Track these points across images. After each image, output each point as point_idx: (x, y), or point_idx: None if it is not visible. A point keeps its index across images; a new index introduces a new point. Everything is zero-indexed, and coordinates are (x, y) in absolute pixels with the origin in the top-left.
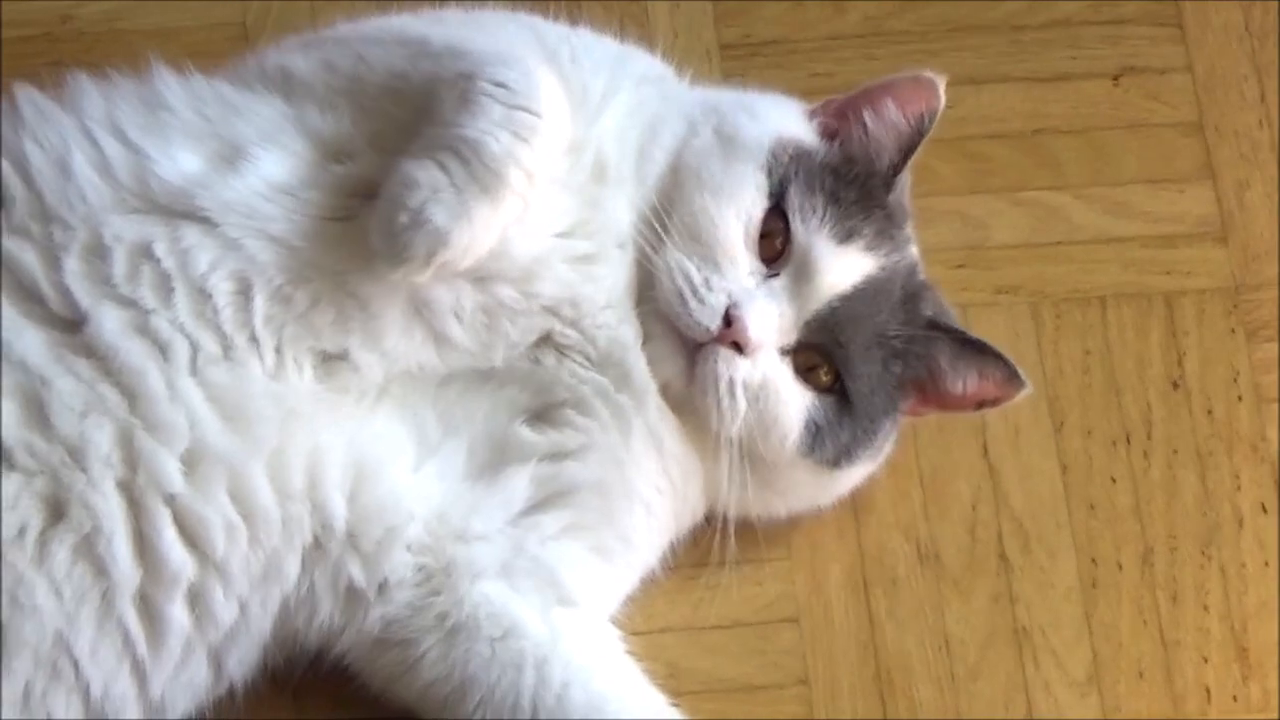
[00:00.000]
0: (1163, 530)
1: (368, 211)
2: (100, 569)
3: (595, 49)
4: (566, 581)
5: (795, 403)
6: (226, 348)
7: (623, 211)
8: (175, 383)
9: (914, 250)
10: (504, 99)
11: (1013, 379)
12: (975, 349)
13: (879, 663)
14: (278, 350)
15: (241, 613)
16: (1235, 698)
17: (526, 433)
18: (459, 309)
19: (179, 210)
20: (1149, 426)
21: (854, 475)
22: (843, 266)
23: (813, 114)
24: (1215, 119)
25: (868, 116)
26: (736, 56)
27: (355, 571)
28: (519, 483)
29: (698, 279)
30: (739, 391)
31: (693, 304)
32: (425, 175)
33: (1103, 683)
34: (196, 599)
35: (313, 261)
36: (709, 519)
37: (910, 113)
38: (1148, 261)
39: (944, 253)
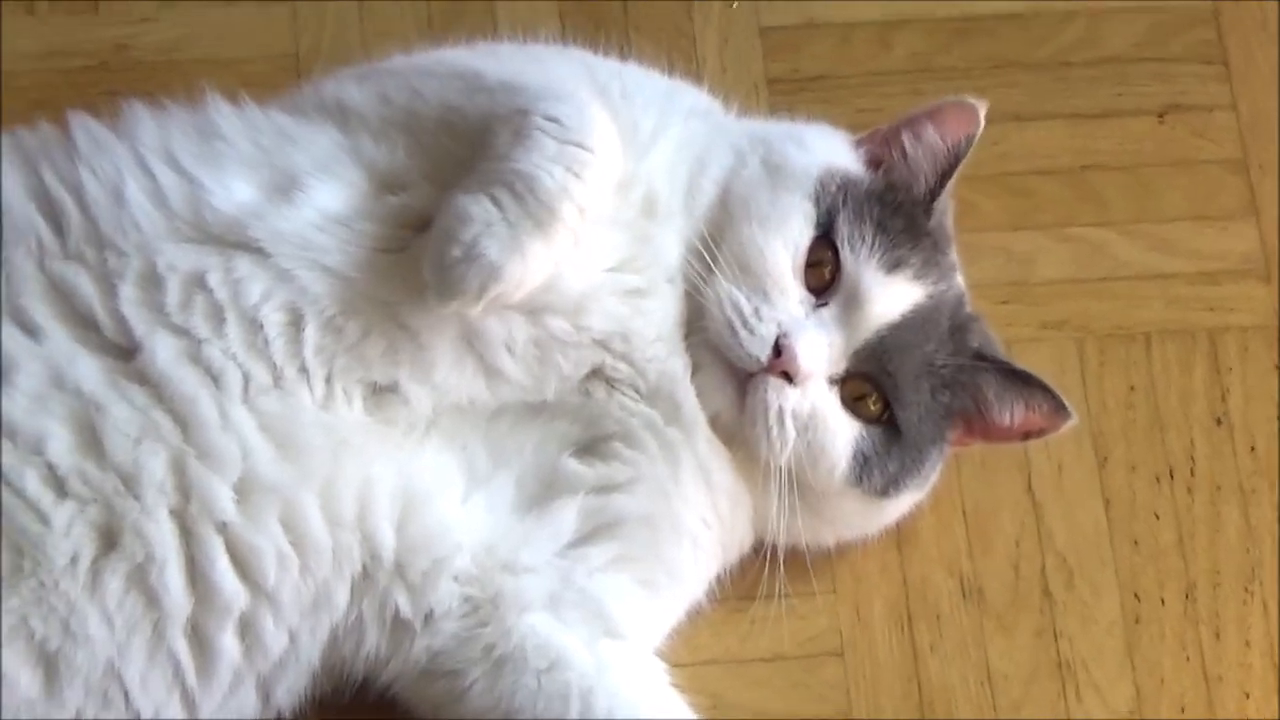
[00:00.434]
0: (1205, 566)
1: (420, 243)
2: (152, 598)
3: (645, 84)
4: (613, 614)
5: (844, 432)
6: (277, 378)
7: (672, 246)
8: (228, 411)
9: (960, 280)
10: (557, 134)
11: (1059, 410)
12: (1022, 380)
13: (922, 697)
14: (328, 381)
15: (291, 642)
16: None
17: (575, 465)
18: (511, 341)
19: (232, 240)
20: (1192, 462)
21: (901, 504)
22: (891, 295)
23: (859, 144)
24: (1259, 156)
25: (907, 142)
26: (784, 91)
27: (402, 601)
28: (567, 515)
29: (748, 309)
30: (788, 421)
31: (743, 334)
32: (478, 209)
33: (1145, 718)
34: (247, 628)
35: (365, 293)
36: (755, 550)
37: (949, 137)
38: (1192, 298)
39: (989, 288)
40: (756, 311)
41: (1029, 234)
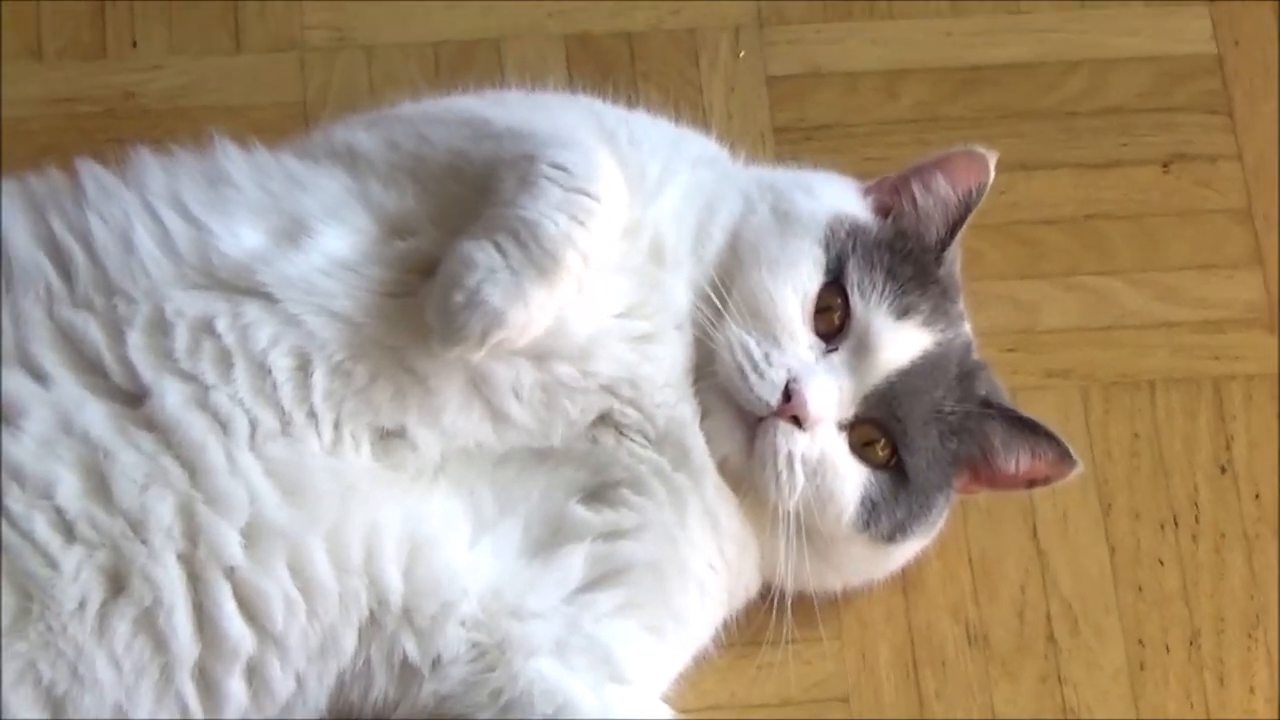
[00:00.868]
0: (1210, 612)
1: (427, 289)
2: (160, 642)
3: (653, 131)
4: (620, 659)
5: (852, 478)
6: (285, 423)
7: (680, 292)
8: (235, 457)
9: (968, 327)
10: (563, 182)
11: (1065, 458)
12: (1028, 428)
13: None
14: (336, 426)
15: (298, 686)
16: None
17: (582, 512)
18: (518, 386)
19: (240, 286)
20: (1196, 510)
21: (908, 550)
22: (901, 342)
23: (867, 191)
24: (1264, 206)
25: (917, 191)
26: (790, 140)
27: (410, 647)
28: (574, 561)
29: (758, 354)
30: (798, 465)
31: (753, 378)
32: (482, 255)
33: None
34: (254, 673)
35: (372, 338)
36: (762, 595)
37: (959, 187)
38: (1197, 346)
39: (995, 336)
40: (767, 356)
41: (1035, 282)
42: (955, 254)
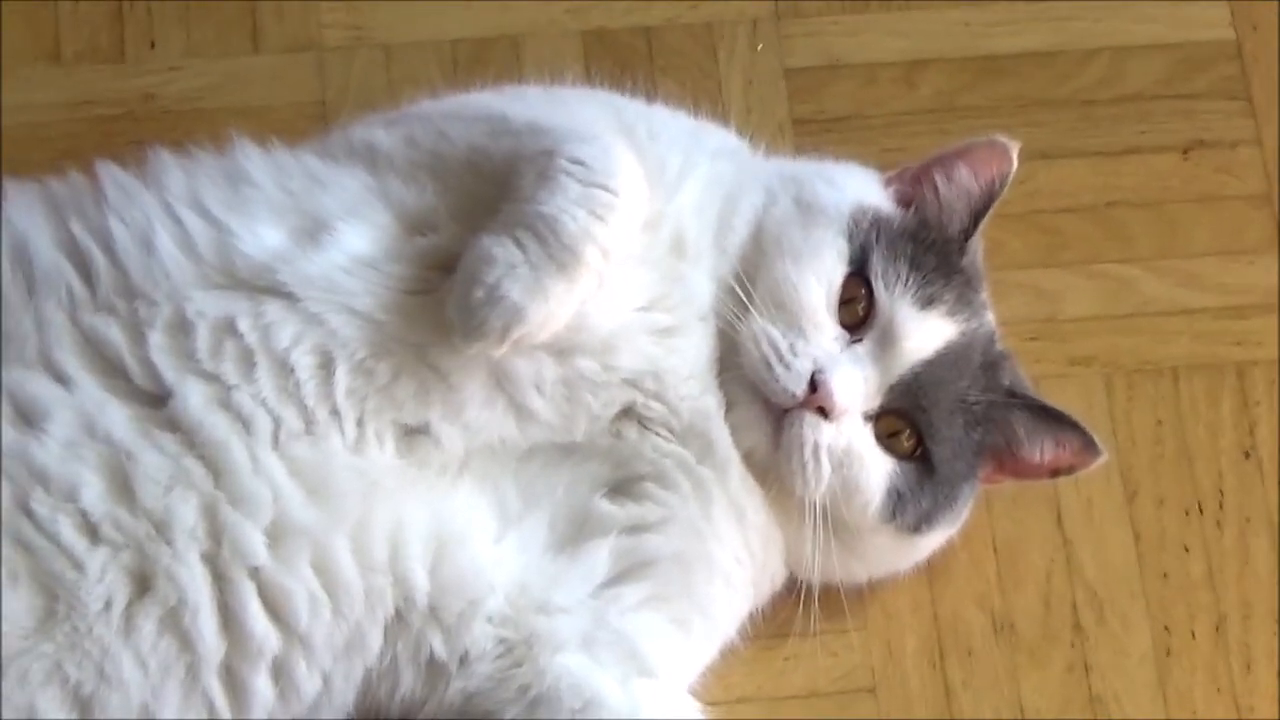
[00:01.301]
0: (1235, 598)
1: (448, 285)
2: (186, 642)
3: (671, 125)
4: (646, 653)
5: (878, 469)
6: (309, 422)
7: (703, 285)
8: (258, 456)
9: (991, 317)
10: (582, 176)
11: (1089, 447)
12: (1053, 418)
13: None
14: (359, 423)
15: (324, 685)
16: None
17: (607, 506)
18: (540, 381)
19: (261, 285)
20: (1221, 495)
21: (933, 541)
22: (925, 332)
23: (888, 182)
24: None
25: (940, 181)
26: (809, 132)
27: (437, 643)
28: (600, 556)
29: (783, 345)
30: (824, 456)
31: (779, 370)
32: (502, 251)
33: None
34: (280, 671)
35: (394, 335)
36: (788, 588)
37: (982, 177)
38: (1219, 332)
39: (1017, 325)
40: (792, 347)
41: (1056, 271)
42: (978, 244)
